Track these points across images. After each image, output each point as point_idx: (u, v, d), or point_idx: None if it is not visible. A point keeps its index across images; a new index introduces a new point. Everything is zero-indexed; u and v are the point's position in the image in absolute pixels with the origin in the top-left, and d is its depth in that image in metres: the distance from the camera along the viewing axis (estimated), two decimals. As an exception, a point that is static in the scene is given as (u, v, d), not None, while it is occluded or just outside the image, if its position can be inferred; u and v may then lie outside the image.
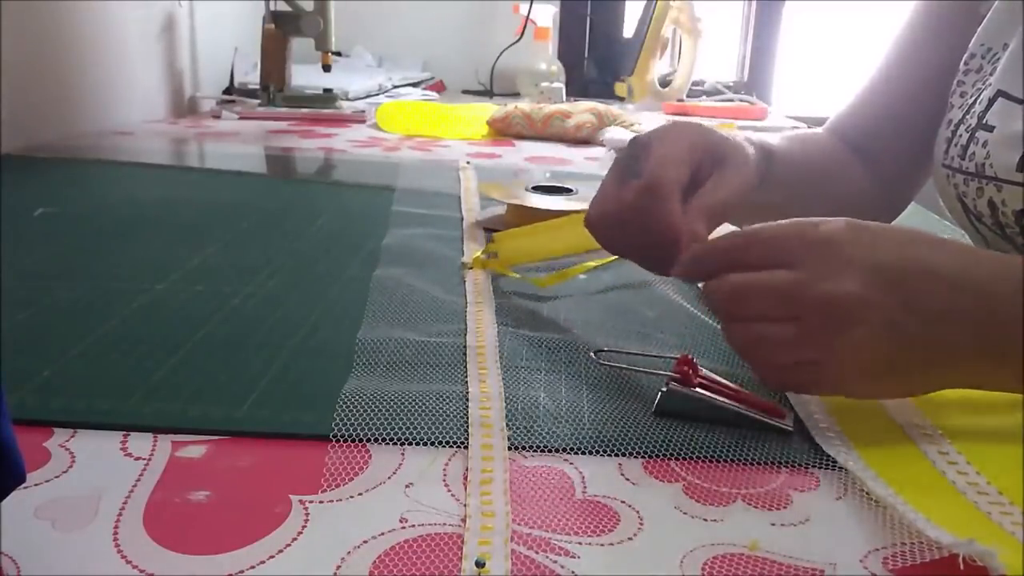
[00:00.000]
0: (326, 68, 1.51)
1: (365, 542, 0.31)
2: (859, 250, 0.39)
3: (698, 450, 0.39)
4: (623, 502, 0.35)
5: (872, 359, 0.38)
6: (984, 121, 0.57)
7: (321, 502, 0.34)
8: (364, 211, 0.85)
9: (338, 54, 1.71)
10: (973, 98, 0.59)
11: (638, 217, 0.48)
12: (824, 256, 0.39)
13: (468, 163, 1.08)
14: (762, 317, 0.40)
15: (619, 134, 1.30)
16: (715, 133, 0.52)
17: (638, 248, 0.50)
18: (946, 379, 0.39)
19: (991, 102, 0.56)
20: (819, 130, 0.76)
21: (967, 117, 0.59)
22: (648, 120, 1.49)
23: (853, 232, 0.39)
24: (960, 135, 0.59)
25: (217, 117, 1.45)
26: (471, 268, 0.63)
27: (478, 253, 0.66)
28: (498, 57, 1.97)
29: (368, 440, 0.38)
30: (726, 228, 0.55)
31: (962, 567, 0.29)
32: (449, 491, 0.35)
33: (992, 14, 0.60)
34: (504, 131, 1.39)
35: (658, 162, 0.48)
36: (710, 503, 0.35)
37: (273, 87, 1.51)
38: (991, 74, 0.58)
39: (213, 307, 0.54)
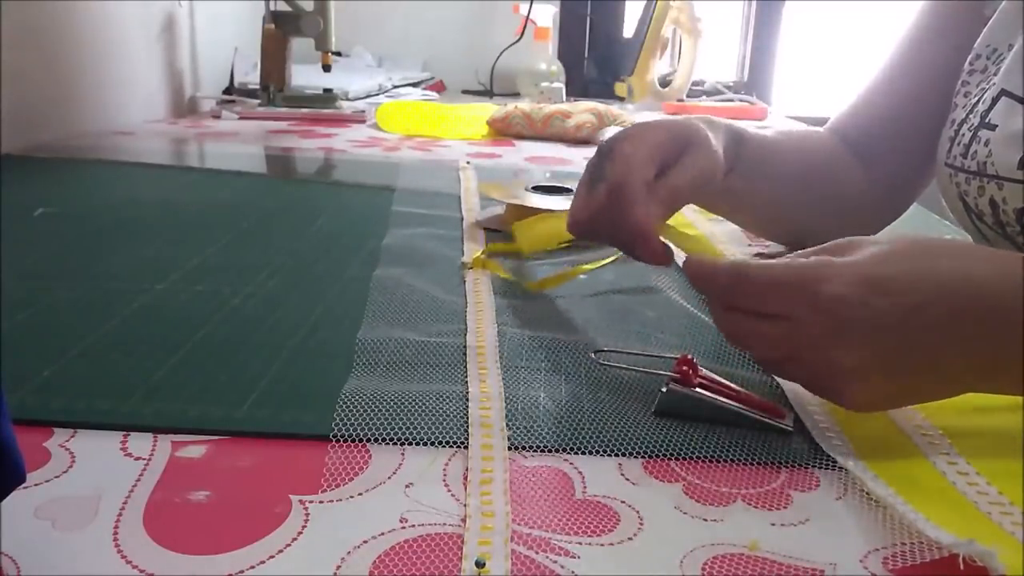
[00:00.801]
0: (326, 68, 1.51)
1: (365, 542, 0.31)
2: (856, 313, 0.37)
3: (698, 450, 0.39)
4: (623, 502, 0.35)
5: (873, 400, 0.39)
6: (987, 120, 0.57)
7: (321, 502, 0.34)
8: (364, 211, 0.85)
9: (338, 54, 1.71)
10: (977, 98, 0.59)
11: (608, 218, 0.50)
12: (819, 320, 0.38)
13: (468, 163, 1.08)
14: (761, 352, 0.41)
15: (619, 134, 1.30)
16: (681, 124, 0.54)
17: (618, 245, 0.52)
18: (952, 390, 0.39)
19: (994, 101, 0.57)
20: (820, 129, 0.76)
21: (970, 116, 0.59)
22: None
23: (858, 294, 0.37)
24: (963, 134, 0.59)
25: (217, 117, 1.45)
26: (471, 268, 0.63)
27: (478, 253, 0.66)
28: (498, 57, 1.97)
29: (368, 440, 0.38)
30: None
31: (962, 567, 0.29)
32: (449, 491, 0.35)
33: (998, 15, 0.60)
34: (504, 131, 1.39)
35: (622, 163, 0.50)
36: (710, 503, 0.35)
37: (273, 87, 1.51)
38: (995, 74, 0.58)
39: (213, 307, 0.54)
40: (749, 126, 0.64)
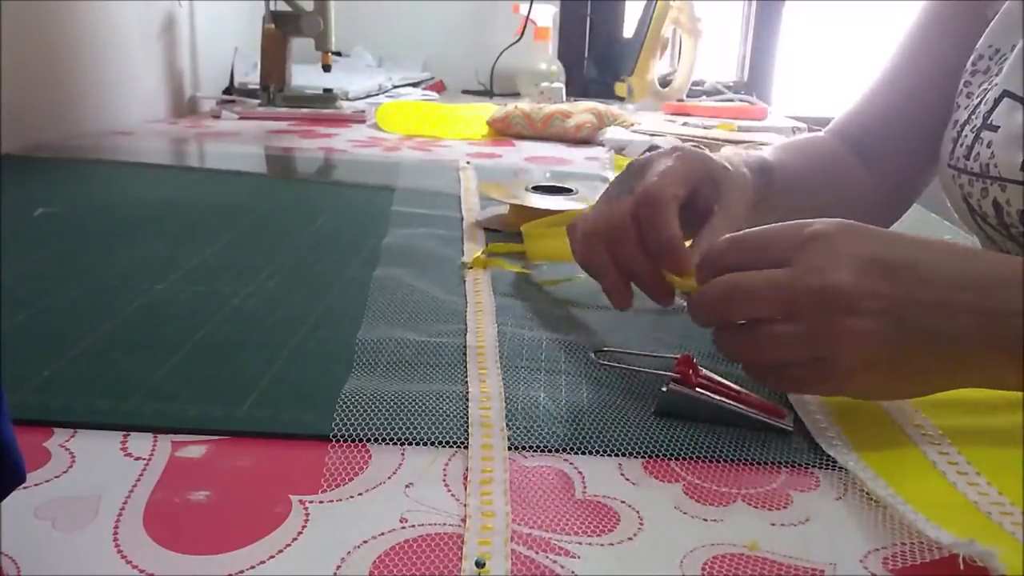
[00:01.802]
0: (326, 68, 1.51)
1: (365, 542, 0.31)
2: (851, 243, 0.38)
3: (698, 450, 0.39)
4: (623, 502, 0.35)
5: (872, 352, 0.37)
6: (989, 121, 0.57)
7: (321, 502, 0.34)
8: (364, 211, 0.85)
9: (338, 54, 1.71)
10: (979, 99, 0.59)
11: (633, 225, 0.47)
12: (815, 250, 0.38)
13: (468, 163, 1.08)
14: (755, 319, 0.39)
15: (619, 134, 1.30)
16: (713, 160, 0.52)
17: (622, 261, 0.49)
18: (951, 378, 0.39)
19: (997, 102, 0.57)
20: (820, 133, 0.76)
21: (972, 117, 0.59)
22: (648, 120, 1.49)
23: (845, 227, 0.39)
24: (965, 135, 0.59)
25: (217, 117, 1.45)
26: (471, 268, 0.63)
27: (478, 253, 0.66)
28: (498, 57, 1.97)
29: (368, 440, 0.38)
30: None
31: (962, 567, 0.29)
32: (449, 491, 0.35)
33: (1000, 16, 0.60)
34: (504, 131, 1.39)
35: (658, 175, 0.48)
36: (710, 503, 0.35)
37: (273, 87, 1.51)
38: (997, 75, 0.58)
39: (213, 307, 0.54)
40: (766, 151, 0.64)
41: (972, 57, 0.61)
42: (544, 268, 0.65)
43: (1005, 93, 0.56)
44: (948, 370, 0.38)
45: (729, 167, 0.53)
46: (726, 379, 0.43)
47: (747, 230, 0.42)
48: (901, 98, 0.70)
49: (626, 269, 0.49)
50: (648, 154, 0.52)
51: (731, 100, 1.91)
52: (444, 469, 0.37)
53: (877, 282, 0.37)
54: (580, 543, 0.32)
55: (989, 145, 0.56)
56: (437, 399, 0.42)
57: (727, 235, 0.42)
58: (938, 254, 0.38)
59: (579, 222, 0.52)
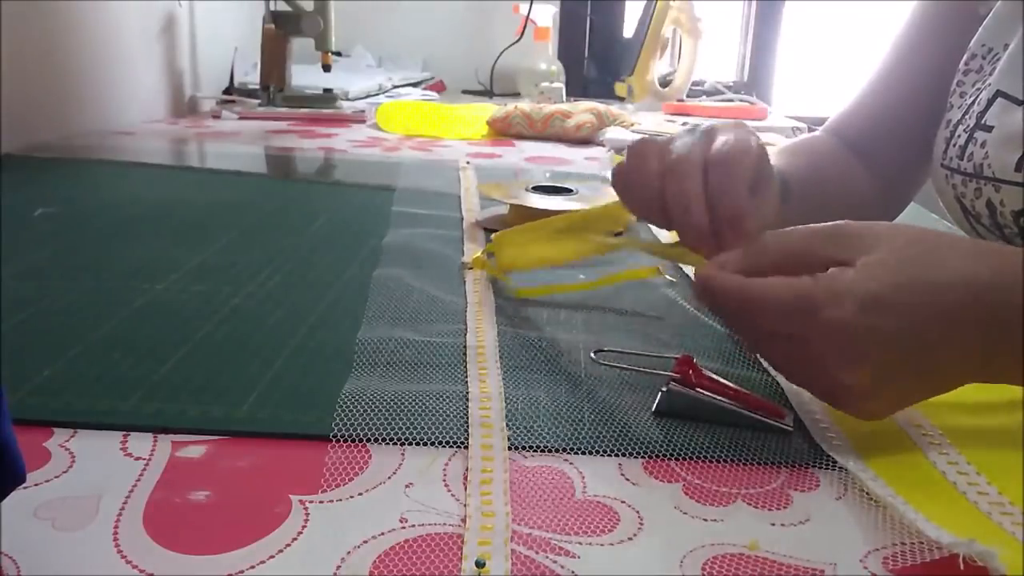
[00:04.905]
0: (326, 68, 1.51)
1: (365, 542, 0.31)
2: (860, 338, 0.37)
3: (698, 450, 0.39)
4: (623, 502, 0.35)
5: (883, 410, 0.39)
6: (983, 121, 0.57)
7: (321, 502, 0.34)
8: (364, 211, 0.85)
9: (338, 54, 1.71)
10: (972, 98, 0.59)
11: (699, 173, 0.44)
12: (827, 345, 0.37)
13: (468, 163, 1.08)
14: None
15: (619, 134, 1.30)
16: (764, 150, 0.48)
17: (662, 202, 0.45)
18: (960, 377, 0.39)
19: (990, 102, 0.56)
20: (817, 132, 0.76)
21: (966, 117, 0.59)
22: (648, 120, 1.49)
23: (859, 321, 0.37)
24: (959, 135, 0.59)
25: (217, 117, 1.45)
26: (471, 268, 0.63)
27: (478, 253, 0.66)
28: (498, 57, 1.97)
29: (368, 440, 0.38)
30: None
31: (962, 567, 0.29)
32: (449, 491, 0.35)
33: (993, 14, 0.60)
34: (504, 131, 1.39)
35: (738, 141, 0.45)
36: (710, 503, 0.35)
37: (273, 87, 1.51)
38: (991, 74, 0.58)
39: (213, 307, 0.54)
40: (774, 160, 0.63)
41: (965, 56, 0.61)
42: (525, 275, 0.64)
43: (999, 93, 0.56)
44: (958, 382, 0.38)
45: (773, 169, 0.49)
46: (726, 379, 0.43)
47: (757, 289, 0.39)
48: (895, 96, 0.70)
49: (661, 215, 0.45)
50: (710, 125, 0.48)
51: (731, 100, 1.91)
52: (444, 469, 0.37)
53: (889, 369, 0.37)
54: (580, 543, 0.32)
55: (983, 145, 0.56)
56: (437, 399, 0.42)
57: (738, 289, 0.40)
58: (946, 288, 0.37)
59: (641, 149, 0.47)
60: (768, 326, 0.39)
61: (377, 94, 1.70)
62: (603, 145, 1.31)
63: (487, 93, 1.98)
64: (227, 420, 0.40)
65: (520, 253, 0.60)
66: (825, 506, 0.35)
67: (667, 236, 0.80)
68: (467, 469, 0.37)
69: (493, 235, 0.64)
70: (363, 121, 1.46)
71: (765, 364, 0.47)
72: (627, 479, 0.37)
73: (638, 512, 0.34)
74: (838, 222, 0.40)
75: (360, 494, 0.35)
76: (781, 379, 0.45)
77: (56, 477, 0.35)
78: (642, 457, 0.38)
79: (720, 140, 0.45)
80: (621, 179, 0.48)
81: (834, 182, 0.70)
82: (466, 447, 0.38)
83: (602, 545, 0.32)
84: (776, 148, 0.70)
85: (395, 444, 0.38)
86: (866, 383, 0.37)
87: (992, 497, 0.34)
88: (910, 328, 0.36)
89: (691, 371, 0.42)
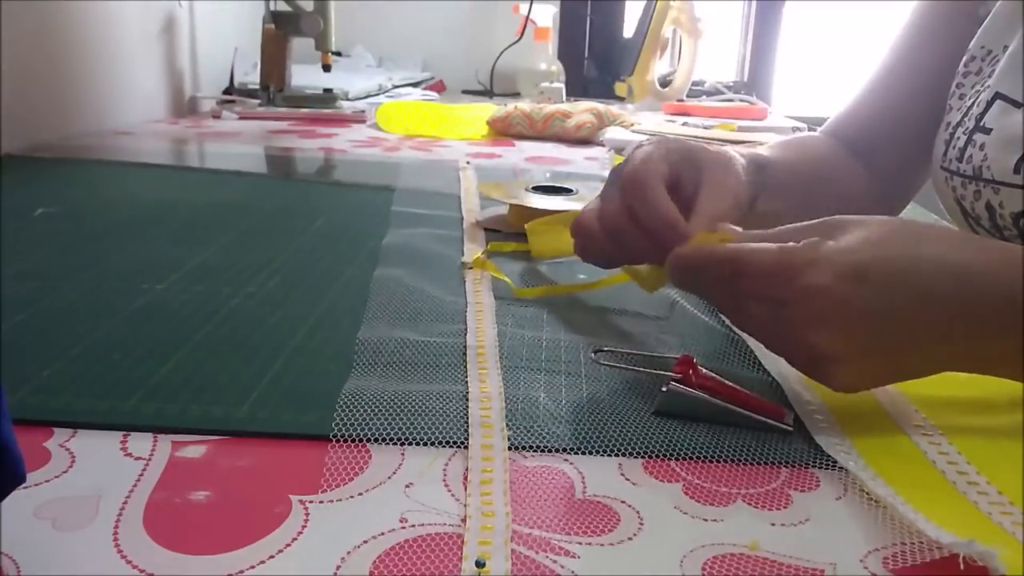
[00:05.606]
0: (326, 68, 1.51)
1: (365, 542, 0.31)
2: (838, 305, 0.38)
3: (698, 450, 0.39)
4: (623, 502, 0.35)
5: (858, 382, 0.39)
6: (982, 123, 0.57)
7: (321, 502, 0.34)
8: (364, 211, 0.85)
9: (338, 54, 1.71)
10: (971, 100, 0.59)
11: (626, 212, 0.49)
12: (806, 310, 0.39)
13: (468, 163, 1.08)
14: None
15: (619, 134, 1.30)
16: (690, 142, 0.54)
17: (627, 249, 0.50)
18: (938, 360, 0.39)
19: (989, 104, 0.56)
20: (816, 132, 0.76)
21: (965, 119, 0.59)
22: (648, 120, 1.49)
23: (837, 287, 0.38)
24: (958, 137, 0.59)
25: (217, 117, 1.45)
26: (471, 268, 0.63)
27: (478, 253, 0.66)
28: (498, 57, 1.97)
29: (368, 440, 0.38)
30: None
31: (962, 567, 0.29)
32: (449, 491, 0.35)
33: (992, 16, 0.60)
34: (504, 131, 1.39)
35: (639, 161, 0.50)
36: (710, 503, 0.35)
37: (273, 87, 1.51)
38: (990, 76, 0.58)
39: (213, 307, 0.54)
40: (760, 149, 0.64)
41: (964, 58, 0.61)
42: (545, 267, 0.65)
43: (997, 95, 0.56)
44: (933, 352, 0.39)
45: (708, 147, 0.54)
46: (726, 379, 0.43)
47: (747, 254, 0.41)
48: (895, 98, 0.70)
49: (633, 256, 0.51)
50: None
51: (731, 100, 1.91)
52: (444, 469, 0.37)
53: (866, 339, 0.38)
54: (580, 543, 0.32)
55: (982, 147, 0.56)
56: (437, 399, 0.42)
57: (731, 255, 0.42)
58: (928, 256, 0.39)
59: (578, 221, 0.53)
60: (749, 288, 0.41)
61: (377, 94, 1.70)
62: (603, 145, 1.31)
63: (487, 93, 1.98)
64: (227, 420, 0.40)
65: (551, 241, 0.62)
66: (825, 506, 0.35)
67: None
68: (467, 469, 0.37)
69: (526, 224, 0.65)
70: (363, 121, 1.46)
71: (743, 334, 0.49)
72: (627, 479, 0.37)
73: (638, 512, 0.34)
74: (830, 217, 0.42)
75: (360, 494, 0.35)
76: (781, 380, 0.45)
77: (56, 477, 0.35)
78: (642, 457, 0.38)
79: (625, 170, 0.50)
80: (583, 256, 0.54)
81: (832, 182, 0.69)
82: (466, 447, 0.38)
83: (602, 545, 0.32)
84: (766, 144, 0.70)
85: (395, 444, 0.38)
86: (839, 350, 0.38)
87: (992, 497, 0.34)
88: (887, 301, 0.38)
89: (691, 371, 0.42)
